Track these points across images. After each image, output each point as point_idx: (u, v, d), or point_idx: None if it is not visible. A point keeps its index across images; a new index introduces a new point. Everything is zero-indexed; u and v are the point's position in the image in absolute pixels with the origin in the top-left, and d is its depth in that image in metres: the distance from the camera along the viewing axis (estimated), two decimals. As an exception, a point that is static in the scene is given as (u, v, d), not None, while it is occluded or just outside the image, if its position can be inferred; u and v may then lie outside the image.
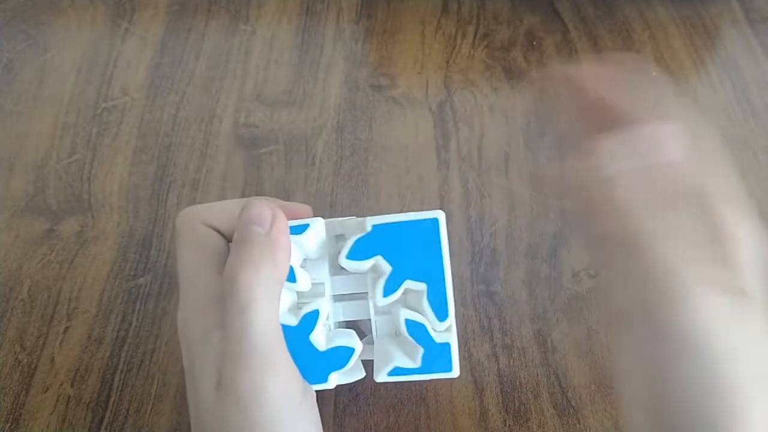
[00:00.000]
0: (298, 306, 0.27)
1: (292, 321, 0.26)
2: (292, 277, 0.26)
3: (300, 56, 0.50)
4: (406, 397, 0.34)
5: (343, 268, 0.27)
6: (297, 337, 0.26)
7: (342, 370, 0.27)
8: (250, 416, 0.23)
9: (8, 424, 0.33)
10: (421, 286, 0.27)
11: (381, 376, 0.27)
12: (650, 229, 0.23)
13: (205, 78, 0.48)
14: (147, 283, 0.38)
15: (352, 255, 0.26)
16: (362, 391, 0.30)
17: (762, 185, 0.44)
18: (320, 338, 0.27)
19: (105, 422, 0.33)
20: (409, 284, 0.27)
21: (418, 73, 0.49)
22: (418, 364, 0.27)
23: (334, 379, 0.27)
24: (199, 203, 0.41)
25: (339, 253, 0.27)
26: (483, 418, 0.34)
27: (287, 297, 0.27)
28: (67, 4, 0.52)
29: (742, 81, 0.49)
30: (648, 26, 0.53)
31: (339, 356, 0.27)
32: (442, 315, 0.27)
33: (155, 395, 0.34)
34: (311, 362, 0.26)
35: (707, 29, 0.53)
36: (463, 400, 0.34)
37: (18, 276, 0.38)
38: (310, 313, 0.26)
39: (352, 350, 0.27)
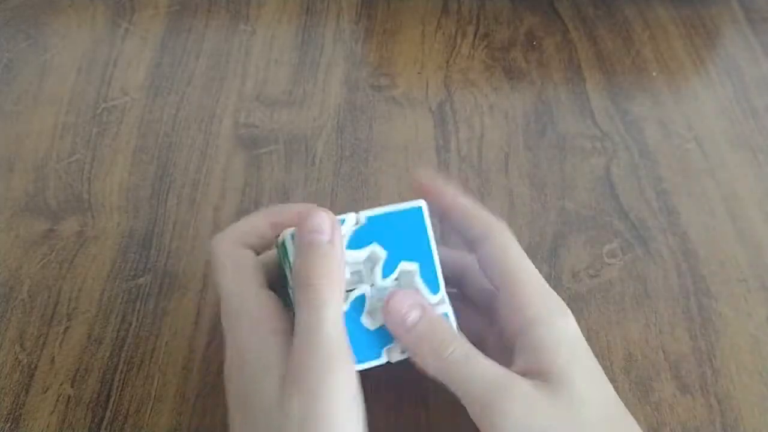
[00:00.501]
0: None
1: (343, 306, 0.28)
2: None
3: (300, 56, 0.50)
4: (406, 398, 0.34)
5: None
6: (349, 320, 0.28)
7: (392, 345, 0.29)
8: (312, 406, 0.25)
9: (8, 424, 0.33)
10: (414, 266, 0.29)
11: (396, 356, 0.29)
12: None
13: (205, 78, 0.48)
14: (147, 283, 0.38)
15: (351, 245, 0.29)
16: (362, 391, 0.30)
17: (762, 185, 0.44)
18: (368, 319, 0.29)
19: (105, 422, 0.33)
20: (403, 265, 0.29)
21: (418, 73, 0.49)
22: None
23: (386, 355, 0.29)
24: (200, 203, 0.42)
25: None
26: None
27: None
28: (67, 4, 0.52)
29: (742, 81, 0.49)
30: (648, 26, 0.53)
31: (387, 333, 0.29)
32: (434, 288, 0.30)
33: (155, 395, 0.34)
34: (364, 342, 0.29)
35: (707, 29, 0.53)
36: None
37: (18, 276, 0.38)
38: (358, 297, 0.29)
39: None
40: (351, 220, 0.29)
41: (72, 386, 0.34)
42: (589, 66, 0.50)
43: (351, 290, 0.29)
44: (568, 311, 0.29)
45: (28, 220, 0.41)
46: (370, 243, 0.29)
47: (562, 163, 0.44)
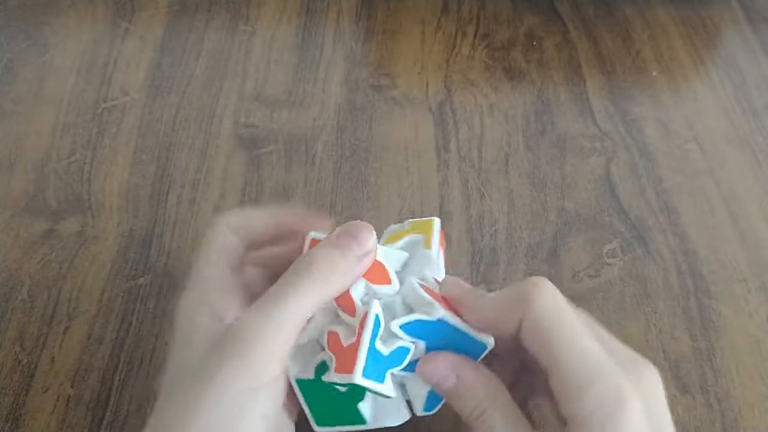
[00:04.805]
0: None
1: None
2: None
3: (300, 56, 0.50)
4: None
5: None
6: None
7: (398, 367, 0.28)
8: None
9: (8, 424, 0.33)
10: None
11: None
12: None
13: (205, 78, 0.48)
14: (147, 283, 0.38)
15: (406, 329, 0.28)
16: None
17: (762, 185, 0.44)
18: (382, 346, 0.28)
19: (105, 422, 0.33)
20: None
21: (418, 73, 0.49)
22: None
23: (389, 380, 0.28)
24: (200, 203, 0.42)
25: (393, 317, 0.28)
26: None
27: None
28: (67, 4, 0.52)
29: (742, 81, 0.49)
30: (648, 26, 0.53)
31: (397, 356, 0.28)
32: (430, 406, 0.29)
33: (155, 395, 0.34)
34: (376, 364, 0.27)
35: (707, 29, 0.53)
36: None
37: (18, 276, 0.38)
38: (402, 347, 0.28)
39: (408, 349, 0.28)
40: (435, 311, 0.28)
41: (72, 386, 0.34)
42: (589, 66, 0.50)
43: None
44: (627, 396, 0.24)
45: (28, 220, 0.41)
46: (421, 338, 0.28)
47: (562, 163, 0.44)
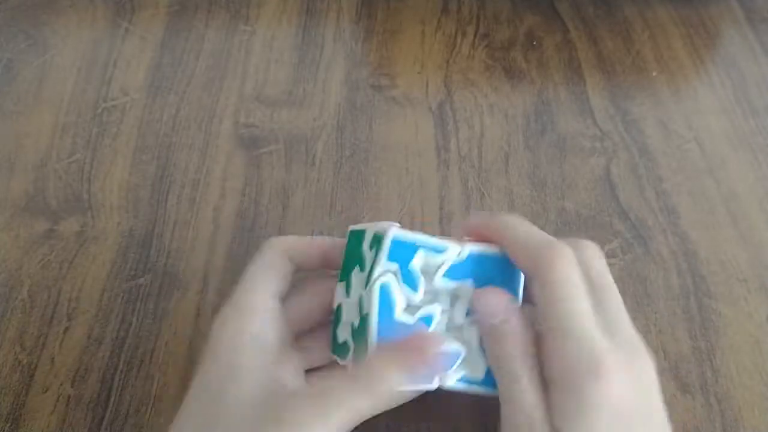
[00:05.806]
0: (410, 310, 0.29)
1: (409, 320, 0.29)
2: (414, 285, 0.28)
3: (300, 56, 0.50)
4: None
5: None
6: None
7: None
8: None
9: (8, 424, 0.33)
10: None
11: (450, 382, 0.29)
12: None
13: (205, 78, 0.48)
14: (147, 283, 0.38)
15: (449, 275, 0.29)
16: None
17: (762, 185, 0.44)
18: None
19: (105, 422, 0.33)
20: None
21: (418, 72, 0.49)
22: (481, 376, 0.30)
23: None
24: (200, 203, 0.42)
25: (434, 270, 0.29)
26: (483, 418, 0.34)
27: (402, 299, 0.29)
28: (67, 4, 0.52)
29: (742, 81, 0.49)
30: (648, 26, 0.53)
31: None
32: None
33: (155, 395, 0.34)
34: None
35: (707, 29, 0.53)
36: (463, 400, 0.34)
37: (18, 276, 0.38)
38: (425, 316, 0.29)
39: (459, 353, 0.29)
40: (454, 251, 0.29)
41: (72, 386, 0.34)
42: (589, 66, 0.50)
43: (418, 308, 0.29)
44: (606, 369, 0.26)
45: (28, 220, 0.41)
46: (465, 278, 0.29)
47: (562, 163, 0.44)
